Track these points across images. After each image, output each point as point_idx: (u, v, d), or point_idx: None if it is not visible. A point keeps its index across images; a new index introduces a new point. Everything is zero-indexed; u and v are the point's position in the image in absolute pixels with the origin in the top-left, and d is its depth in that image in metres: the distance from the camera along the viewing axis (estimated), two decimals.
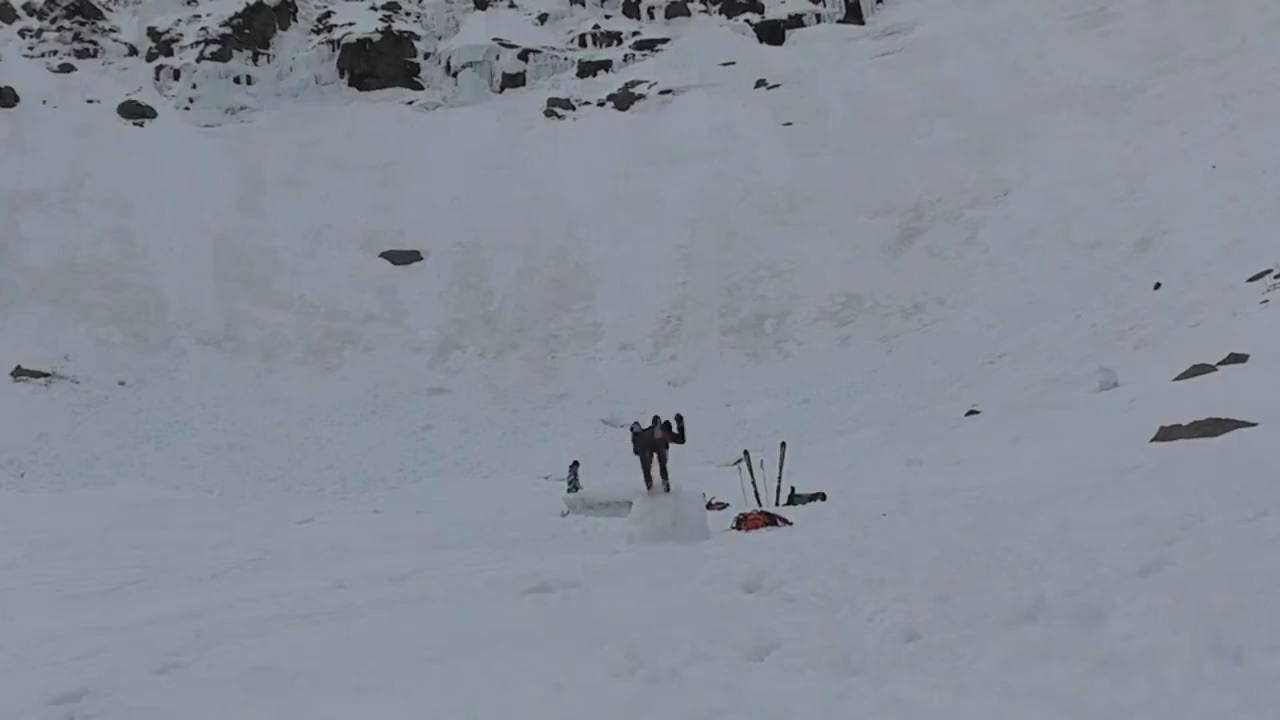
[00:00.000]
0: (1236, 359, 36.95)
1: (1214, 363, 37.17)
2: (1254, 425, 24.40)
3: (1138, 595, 6.28)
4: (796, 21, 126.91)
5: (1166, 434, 26.08)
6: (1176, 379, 37.11)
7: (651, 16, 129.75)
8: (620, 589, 9.49)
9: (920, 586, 7.45)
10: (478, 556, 15.95)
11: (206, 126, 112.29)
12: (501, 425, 68.80)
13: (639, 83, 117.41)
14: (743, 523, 18.31)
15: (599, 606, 8.27)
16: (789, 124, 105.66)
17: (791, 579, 8.82)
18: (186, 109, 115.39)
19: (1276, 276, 50.92)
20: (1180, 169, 78.10)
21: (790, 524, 17.97)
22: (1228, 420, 25.26)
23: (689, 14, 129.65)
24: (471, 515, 28.99)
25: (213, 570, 16.85)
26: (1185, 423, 25.97)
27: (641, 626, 7.23)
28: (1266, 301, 47.64)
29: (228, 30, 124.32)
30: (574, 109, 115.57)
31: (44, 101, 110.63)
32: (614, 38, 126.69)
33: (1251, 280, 52.80)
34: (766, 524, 18.10)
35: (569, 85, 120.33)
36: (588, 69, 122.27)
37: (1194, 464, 18.95)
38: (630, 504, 18.88)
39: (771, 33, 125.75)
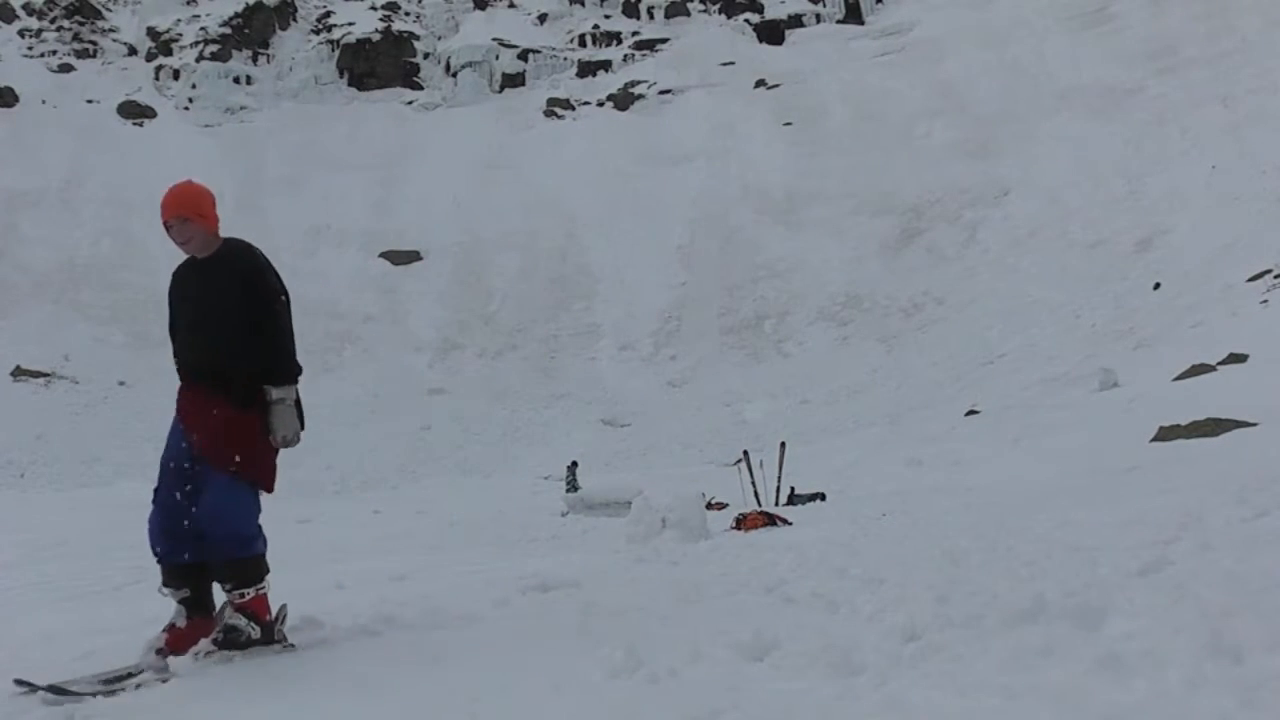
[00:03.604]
0: (1236, 359, 37.09)
1: (1214, 363, 37.33)
2: (1254, 425, 24.47)
3: (1137, 595, 6.28)
4: (796, 21, 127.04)
5: (1166, 434, 26.15)
6: (1176, 379, 37.22)
7: (651, 16, 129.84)
8: (619, 589, 9.47)
9: (920, 587, 7.44)
10: (477, 556, 15.91)
11: (206, 126, 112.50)
12: (501, 425, 68.86)
13: (639, 83, 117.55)
14: (742, 523, 18.23)
15: (598, 606, 8.27)
16: (789, 124, 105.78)
17: (791, 579, 8.81)
18: (186, 109, 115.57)
19: (1276, 276, 51.08)
20: (1180, 169, 78.31)
21: (790, 524, 17.92)
22: (1227, 420, 25.34)
23: (688, 14, 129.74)
24: (471, 515, 29.00)
25: None
26: (1185, 423, 26.05)
27: (641, 627, 7.23)
28: (1266, 301, 47.80)
29: (227, 30, 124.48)
30: (574, 109, 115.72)
31: (43, 101, 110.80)
32: (614, 38, 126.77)
33: (1251, 280, 52.98)
34: (766, 524, 18.03)
35: (569, 85, 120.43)
36: (587, 69, 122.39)
37: (1193, 464, 18.99)
38: (629, 504, 18.86)
39: (771, 33, 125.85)
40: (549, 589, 9.57)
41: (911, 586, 7.54)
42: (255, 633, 7.01)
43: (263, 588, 7.24)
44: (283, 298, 7.79)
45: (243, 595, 7.08)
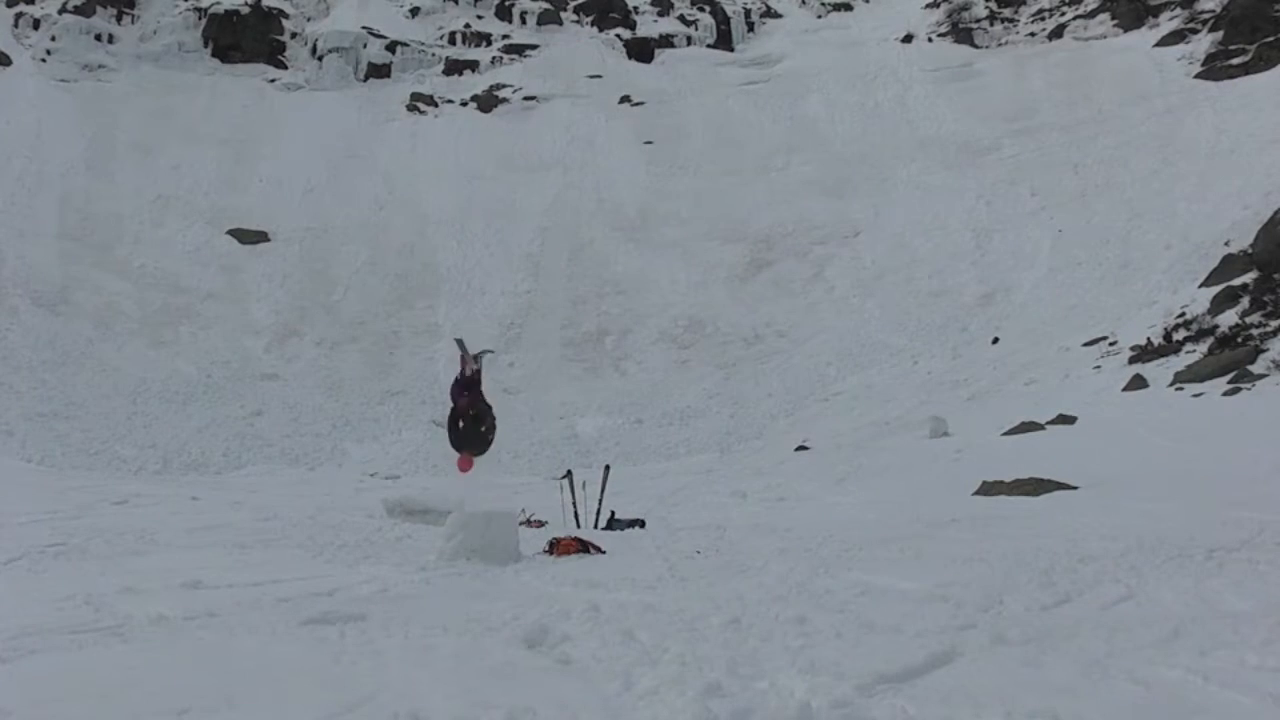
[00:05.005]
0: (1065, 420, 37.79)
1: (1043, 422, 37.93)
2: (1074, 489, 24.85)
3: (909, 707, 6.23)
4: (667, 42, 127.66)
5: (989, 489, 26.48)
6: (1005, 434, 37.84)
7: (524, 22, 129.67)
8: (402, 630, 9.24)
9: (700, 664, 7.35)
10: (281, 561, 15.63)
11: (62, 81, 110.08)
12: (332, 417, 68.13)
13: (504, 86, 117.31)
14: (555, 547, 18.16)
15: (369, 656, 8.04)
16: (649, 142, 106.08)
17: (577, 635, 8.68)
18: (44, 61, 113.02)
19: (1111, 344, 52.21)
20: (1028, 229, 79.80)
21: (604, 552, 17.88)
22: (1049, 481, 25.72)
23: (561, 23, 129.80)
24: (288, 511, 28.51)
25: (10, 554, 16.29)
26: (1008, 479, 26.43)
27: (403, 688, 7.03)
28: (1099, 367, 48.89)
29: None
30: (437, 106, 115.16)
31: None
32: (484, 39, 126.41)
33: (1087, 345, 54.15)
34: (579, 550, 17.96)
35: (434, 82, 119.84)
36: (454, 67, 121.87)
37: (1010, 523, 19.34)
38: (448, 514, 18.71)
39: (641, 50, 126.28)
40: (329, 621, 9.34)
41: (691, 664, 7.43)
42: None
43: None
44: None
45: None
